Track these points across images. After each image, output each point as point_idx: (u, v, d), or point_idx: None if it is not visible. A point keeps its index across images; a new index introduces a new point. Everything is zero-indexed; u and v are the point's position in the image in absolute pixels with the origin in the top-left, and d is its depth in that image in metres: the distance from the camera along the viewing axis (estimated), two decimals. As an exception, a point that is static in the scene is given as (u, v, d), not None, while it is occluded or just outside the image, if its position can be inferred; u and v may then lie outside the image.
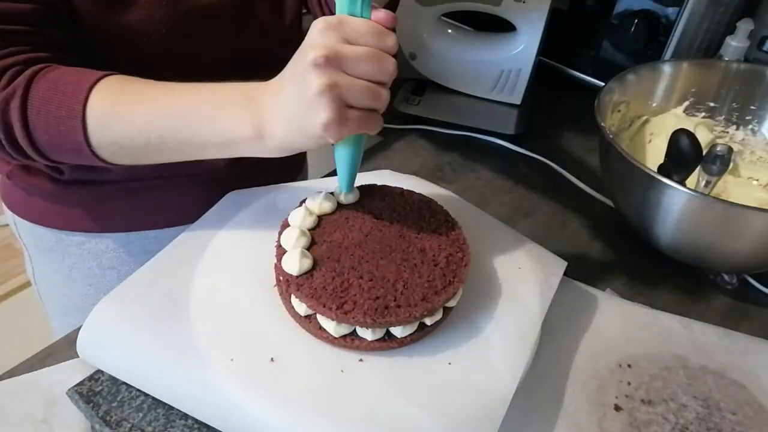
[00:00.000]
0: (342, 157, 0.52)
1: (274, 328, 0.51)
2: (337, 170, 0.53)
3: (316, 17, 0.71)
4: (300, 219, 0.53)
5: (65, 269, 0.72)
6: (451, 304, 0.52)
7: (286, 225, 0.54)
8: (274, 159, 0.51)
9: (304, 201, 0.55)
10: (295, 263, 0.49)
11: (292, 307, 0.51)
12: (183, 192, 0.70)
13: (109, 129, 0.50)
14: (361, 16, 0.45)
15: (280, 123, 0.46)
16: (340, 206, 0.56)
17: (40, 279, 0.76)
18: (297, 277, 0.49)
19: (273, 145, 0.48)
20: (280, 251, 0.52)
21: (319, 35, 0.43)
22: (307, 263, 0.49)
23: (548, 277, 0.57)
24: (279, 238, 0.53)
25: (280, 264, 0.50)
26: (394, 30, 0.45)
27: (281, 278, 0.51)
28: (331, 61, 0.42)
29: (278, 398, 0.46)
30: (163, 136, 0.50)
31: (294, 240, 0.51)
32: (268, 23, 0.66)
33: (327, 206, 0.55)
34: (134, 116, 0.50)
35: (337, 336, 0.49)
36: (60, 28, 0.54)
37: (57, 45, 0.53)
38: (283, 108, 0.46)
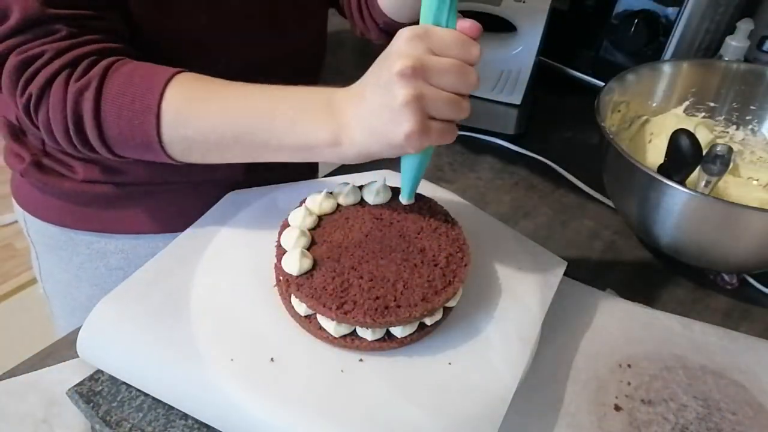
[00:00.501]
0: (410, 164, 0.51)
1: (274, 328, 0.51)
2: (402, 176, 0.53)
3: (353, 20, 0.71)
4: (300, 219, 0.53)
5: (73, 268, 0.72)
6: (451, 304, 0.52)
7: (286, 225, 0.54)
8: (291, 164, 0.51)
9: (304, 201, 0.56)
10: (295, 263, 0.49)
11: (292, 306, 0.51)
12: (196, 197, 0.69)
13: (184, 125, 0.49)
14: (447, 26, 0.45)
15: (360, 130, 0.46)
16: (340, 206, 0.56)
17: (46, 277, 0.76)
18: (297, 277, 0.49)
19: (351, 151, 0.47)
20: (280, 251, 0.51)
21: (405, 45, 0.43)
22: (307, 263, 0.49)
23: (548, 277, 0.57)
24: (279, 238, 0.53)
25: (280, 264, 0.50)
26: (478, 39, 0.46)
27: (281, 278, 0.51)
28: (418, 72, 0.42)
29: (278, 398, 0.46)
30: (238, 136, 0.49)
31: (294, 240, 0.51)
32: (292, 25, 0.66)
33: (327, 206, 0.55)
34: (210, 114, 0.49)
35: (337, 336, 0.49)
36: (123, 19, 0.54)
37: (124, 36, 0.53)
38: (365, 116, 0.45)
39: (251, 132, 0.49)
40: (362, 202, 0.56)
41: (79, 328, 0.51)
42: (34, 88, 0.49)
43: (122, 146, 0.51)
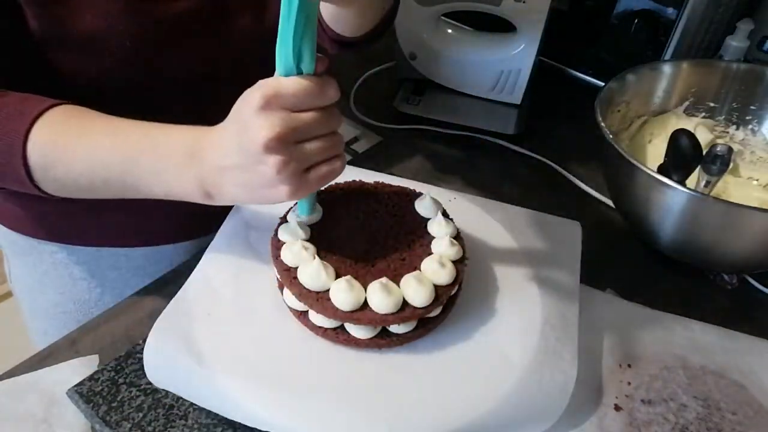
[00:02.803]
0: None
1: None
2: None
3: None
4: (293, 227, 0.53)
5: (37, 275, 0.71)
6: (451, 300, 0.52)
7: (284, 220, 0.54)
8: None
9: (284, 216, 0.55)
10: (293, 256, 0.50)
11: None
12: (154, 213, 0.67)
13: (51, 168, 0.49)
14: (308, 69, 0.43)
15: (232, 185, 0.46)
16: (333, 207, 0.56)
17: (15, 279, 0.75)
18: (291, 270, 0.50)
19: (225, 201, 0.48)
20: (279, 244, 0.52)
21: (261, 112, 0.42)
22: (307, 256, 0.50)
23: (568, 243, 0.59)
24: (276, 231, 0.53)
25: (280, 257, 0.51)
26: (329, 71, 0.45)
27: (278, 273, 0.51)
28: (282, 139, 0.42)
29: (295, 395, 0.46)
30: (107, 181, 0.49)
31: (292, 233, 0.52)
32: (249, 31, 0.63)
33: (315, 216, 0.55)
34: (76, 159, 0.48)
35: (329, 331, 0.49)
36: (5, 46, 0.51)
37: (2, 67, 0.52)
38: (235, 174, 0.45)
39: (119, 179, 0.49)
40: (358, 201, 0.57)
41: (78, 329, 0.51)
42: None
43: (2, 182, 0.51)
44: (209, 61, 0.61)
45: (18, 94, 0.50)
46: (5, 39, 0.51)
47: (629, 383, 0.54)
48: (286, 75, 0.43)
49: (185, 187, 0.48)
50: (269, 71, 0.44)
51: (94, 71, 0.54)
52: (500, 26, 0.87)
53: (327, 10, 0.62)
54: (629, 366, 0.55)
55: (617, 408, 0.52)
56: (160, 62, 0.57)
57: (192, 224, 0.70)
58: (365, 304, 0.48)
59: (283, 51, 0.42)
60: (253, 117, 0.42)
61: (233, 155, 0.44)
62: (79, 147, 0.48)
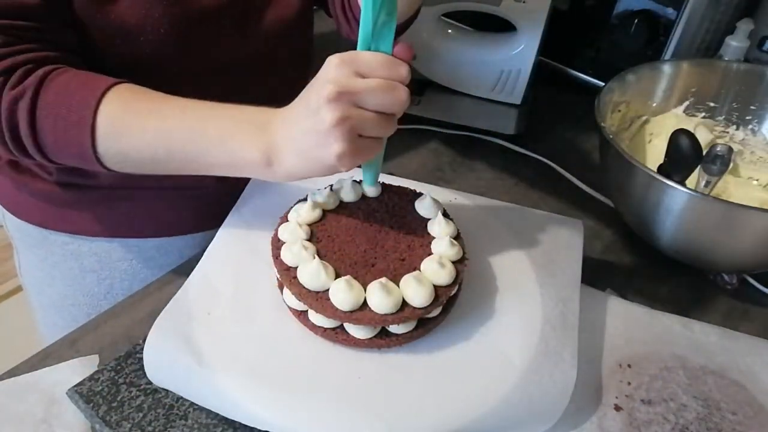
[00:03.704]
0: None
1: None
2: (363, 168, 0.55)
3: (338, 21, 0.71)
4: (304, 213, 0.53)
5: (47, 267, 0.72)
6: (451, 301, 0.52)
7: (284, 219, 0.54)
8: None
9: (303, 200, 0.56)
10: (293, 255, 0.50)
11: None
12: (167, 204, 0.70)
13: (118, 139, 0.50)
14: (384, 49, 0.46)
15: (291, 152, 0.48)
16: (339, 204, 0.56)
17: (24, 272, 0.76)
18: (291, 269, 0.50)
19: (282, 171, 0.49)
20: (279, 244, 0.52)
21: (332, 70, 0.45)
22: (307, 256, 0.50)
23: (569, 241, 0.59)
24: (276, 231, 0.53)
25: (279, 257, 0.51)
26: (411, 61, 0.47)
27: (278, 272, 0.51)
28: (343, 95, 0.44)
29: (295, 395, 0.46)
30: (171, 152, 0.50)
31: (293, 233, 0.52)
32: (273, 25, 0.65)
33: (331, 201, 0.55)
34: (144, 129, 0.50)
35: (329, 331, 0.49)
36: (65, 26, 0.53)
37: (65, 44, 0.53)
38: (296, 139, 0.47)
39: (183, 148, 0.50)
40: (362, 199, 0.57)
41: (78, 328, 0.51)
42: None
43: (58, 155, 0.52)
44: (239, 51, 0.63)
45: (81, 71, 0.51)
46: (61, 11, 0.52)
47: (629, 383, 0.54)
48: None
49: (250, 154, 0.49)
50: (298, 62, 0.47)
51: (129, 57, 0.56)
52: (500, 26, 0.87)
53: None
54: (629, 366, 0.55)
55: (617, 408, 0.52)
56: (192, 51, 0.60)
57: (203, 216, 0.70)
58: (365, 304, 0.48)
59: (363, 29, 0.46)
60: (325, 72, 0.45)
61: (299, 117, 0.47)
62: (147, 117, 0.50)
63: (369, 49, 0.46)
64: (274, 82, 0.67)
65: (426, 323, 0.51)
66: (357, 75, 0.45)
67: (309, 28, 0.72)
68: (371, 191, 0.57)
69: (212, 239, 0.59)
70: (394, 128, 0.47)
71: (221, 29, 0.61)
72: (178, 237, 0.72)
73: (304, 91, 0.48)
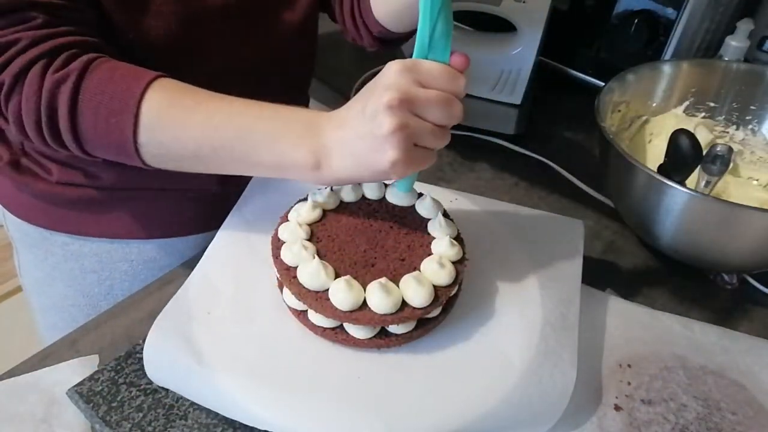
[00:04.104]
0: None
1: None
2: None
3: (344, 26, 0.71)
4: (305, 212, 0.53)
5: (47, 267, 0.71)
6: (451, 301, 0.52)
7: (285, 219, 0.54)
8: None
9: (304, 199, 0.56)
10: (293, 255, 0.50)
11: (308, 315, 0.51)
12: (168, 205, 0.69)
13: (161, 130, 0.49)
14: (439, 59, 0.46)
15: (342, 156, 0.47)
16: (339, 204, 0.56)
17: (24, 272, 0.76)
18: (291, 269, 0.50)
19: (329, 175, 0.48)
20: (279, 244, 0.52)
21: (394, 76, 0.44)
22: (306, 255, 0.50)
23: (570, 242, 0.59)
24: (276, 231, 0.53)
25: (279, 257, 0.51)
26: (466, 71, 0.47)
27: (278, 272, 0.51)
28: (404, 104, 0.44)
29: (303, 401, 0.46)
30: (217, 149, 0.49)
31: (293, 233, 0.52)
32: (281, 26, 0.65)
33: (332, 201, 0.55)
34: (191, 123, 0.49)
35: (329, 331, 0.49)
36: (93, 13, 0.53)
37: (100, 34, 0.52)
38: (349, 142, 0.47)
39: (230, 146, 0.49)
40: (362, 199, 0.57)
41: (77, 328, 0.51)
42: (7, 76, 0.47)
43: (95, 144, 0.50)
44: (251, 53, 0.63)
45: (124, 62, 0.50)
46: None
47: (629, 383, 0.54)
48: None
49: (299, 155, 0.48)
50: (304, 63, 0.46)
51: (140, 53, 0.55)
52: (500, 26, 0.87)
53: (389, 8, 0.64)
54: (629, 366, 0.55)
55: (617, 408, 0.52)
56: (204, 50, 0.59)
57: (204, 217, 0.70)
58: (364, 304, 0.48)
59: (420, 38, 0.45)
60: (386, 79, 0.45)
61: (354, 121, 0.46)
62: (195, 112, 0.49)
63: (426, 58, 0.46)
64: (280, 82, 0.67)
65: (426, 323, 0.51)
66: (418, 84, 0.45)
67: (315, 30, 0.72)
68: (404, 199, 0.56)
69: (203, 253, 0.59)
70: (448, 140, 0.47)
71: (233, 30, 0.60)
72: (179, 238, 0.72)
73: (359, 94, 0.47)
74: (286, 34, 0.66)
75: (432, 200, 0.56)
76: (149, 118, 0.48)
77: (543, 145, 0.86)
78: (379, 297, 0.47)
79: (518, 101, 0.90)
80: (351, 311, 0.47)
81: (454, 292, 0.51)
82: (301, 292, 0.49)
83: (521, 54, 0.86)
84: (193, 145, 0.49)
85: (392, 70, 0.45)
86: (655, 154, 0.74)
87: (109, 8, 0.53)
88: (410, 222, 0.55)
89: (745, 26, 0.84)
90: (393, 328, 0.49)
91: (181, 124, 0.49)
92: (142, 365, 0.50)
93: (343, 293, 0.47)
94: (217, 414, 0.48)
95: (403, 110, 0.44)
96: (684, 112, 0.79)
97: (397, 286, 0.48)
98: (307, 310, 0.50)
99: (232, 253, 0.57)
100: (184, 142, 0.49)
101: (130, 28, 0.55)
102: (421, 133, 0.45)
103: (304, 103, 0.81)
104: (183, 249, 0.72)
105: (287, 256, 0.50)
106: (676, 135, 0.64)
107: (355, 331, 0.49)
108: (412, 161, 0.46)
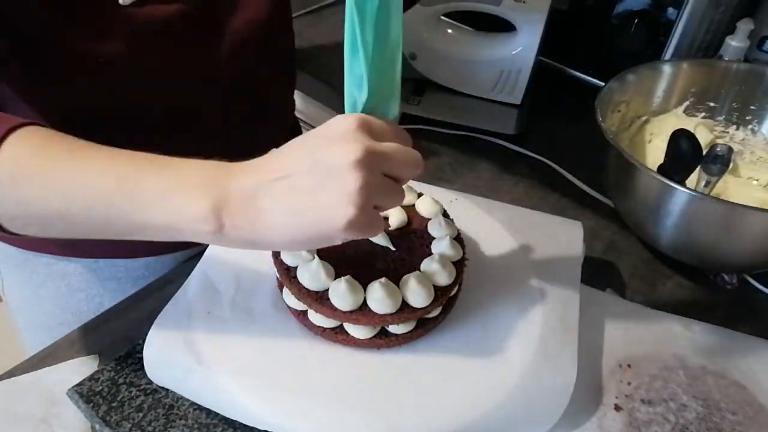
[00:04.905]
0: None
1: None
2: None
3: None
4: None
5: (33, 287, 0.69)
6: (451, 301, 0.52)
7: None
8: None
9: None
10: (293, 255, 0.50)
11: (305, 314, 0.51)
12: None
13: (17, 186, 0.40)
14: (389, 116, 0.44)
15: (274, 213, 0.40)
16: None
17: (9, 292, 0.73)
18: (291, 269, 0.50)
19: (238, 236, 0.40)
20: None
21: (353, 132, 0.39)
22: (306, 255, 0.50)
23: (569, 243, 0.59)
24: None
25: (280, 257, 0.51)
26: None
27: (278, 272, 0.51)
28: (372, 159, 0.39)
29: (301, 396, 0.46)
30: (90, 207, 0.40)
31: None
32: (242, 27, 0.60)
33: None
34: (55, 176, 0.40)
35: (329, 331, 0.49)
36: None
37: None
38: (290, 198, 0.39)
39: (108, 201, 0.40)
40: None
41: (79, 328, 0.51)
42: None
43: None
44: (204, 68, 0.58)
45: None
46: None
47: (629, 383, 0.54)
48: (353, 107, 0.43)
49: (197, 211, 0.39)
50: (280, 81, 0.42)
51: (86, 82, 0.51)
52: (500, 26, 0.87)
53: None
54: (629, 366, 0.55)
55: (617, 408, 0.52)
56: (154, 71, 0.55)
57: None
58: (364, 304, 0.48)
59: (350, 79, 0.42)
60: (344, 134, 0.39)
61: (298, 175, 0.39)
62: (65, 162, 0.40)
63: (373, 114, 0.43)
64: (258, 103, 0.63)
65: (426, 323, 0.51)
66: (374, 139, 0.40)
67: (284, 39, 0.68)
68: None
69: (203, 253, 0.58)
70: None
71: (182, 44, 0.55)
72: (169, 255, 0.69)
73: (295, 145, 0.41)
74: (249, 39, 0.60)
75: (432, 200, 0.56)
76: (6, 170, 0.40)
77: (543, 145, 0.86)
78: (379, 297, 0.47)
79: (518, 101, 0.90)
80: (351, 311, 0.47)
81: (454, 292, 0.51)
82: (301, 292, 0.49)
83: (521, 54, 0.86)
84: (60, 204, 0.40)
85: (347, 124, 0.40)
86: (655, 154, 0.74)
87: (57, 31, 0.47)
88: (410, 222, 0.55)
89: (745, 26, 0.84)
90: (393, 328, 0.49)
91: (43, 177, 0.40)
92: (142, 365, 0.50)
93: (343, 293, 0.47)
94: (217, 414, 0.48)
95: (372, 166, 0.39)
96: (684, 112, 0.79)
97: (397, 286, 0.48)
98: (307, 310, 0.50)
99: (232, 253, 0.57)
100: (48, 198, 0.40)
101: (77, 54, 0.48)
102: (381, 191, 0.40)
103: (285, 132, 0.76)
104: (173, 265, 0.69)
105: (287, 256, 0.50)
106: (676, 135, 0.65)
107: (355, 331, 0.49)
108: (369, 223, 0.40)
